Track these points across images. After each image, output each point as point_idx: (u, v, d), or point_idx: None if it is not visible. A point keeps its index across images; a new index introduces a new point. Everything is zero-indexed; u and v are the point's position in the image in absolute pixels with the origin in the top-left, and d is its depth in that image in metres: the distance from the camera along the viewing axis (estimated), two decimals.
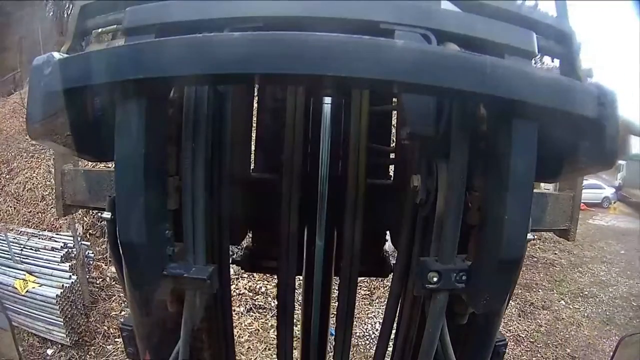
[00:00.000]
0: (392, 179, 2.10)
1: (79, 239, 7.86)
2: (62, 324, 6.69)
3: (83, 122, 1.32)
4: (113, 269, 7.59)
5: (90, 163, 2.10)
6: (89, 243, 8.39)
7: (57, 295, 6.77)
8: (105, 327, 6.86)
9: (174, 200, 1.45)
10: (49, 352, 6.75)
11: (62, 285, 7.00)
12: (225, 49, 1.13)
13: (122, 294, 7.78)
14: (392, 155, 2.10)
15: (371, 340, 7.67)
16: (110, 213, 1.48)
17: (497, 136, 1.29)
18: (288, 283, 1.88)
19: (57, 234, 7.93)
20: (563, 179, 1.90)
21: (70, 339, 6.65)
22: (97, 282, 7.83)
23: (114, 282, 7.01)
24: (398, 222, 1.77)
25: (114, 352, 6.56)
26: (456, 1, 1.42)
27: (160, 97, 1.35)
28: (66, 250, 7.50)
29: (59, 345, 6.56)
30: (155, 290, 1.42)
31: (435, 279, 1.36)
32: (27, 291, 6.87)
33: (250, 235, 2.16)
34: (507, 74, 1.17)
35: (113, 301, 7.31)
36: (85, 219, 8.61)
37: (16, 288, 6.88)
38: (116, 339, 6.78)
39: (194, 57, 1.14)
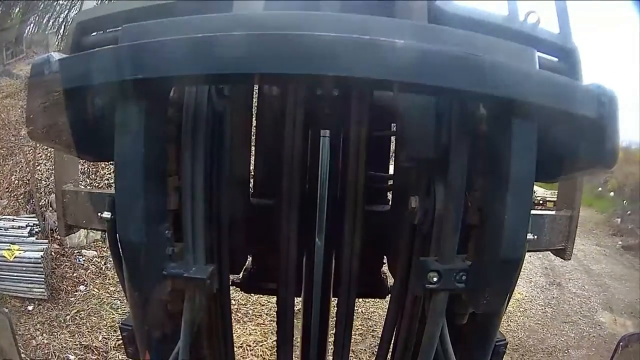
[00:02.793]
0: (390, 204, 2.05)
1: (45, 217, 9.38)
2: (43, 280, 8.08)
3: (83, 122, 1.30)
4: (55, 245, 8.95)
5: (89, 178, 2.10)
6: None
7: (41, 255, 8.16)
8: (65, 285, 8.40)
9: (173, 200, 1.43)
10: (30, 308, 8.00)
11: (42, 249, 8.39)
12: (225, 49, 1.11)
13: (68, 263, 9.22)
14: (390, 177, 2.04)
15: None
16: (110, 213, 1.46)
17: (497, 136, 1.27)
18: (287, 304, 1.85)
19: (18, 217, 9.36)
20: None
21: (47, 294, 8.10)
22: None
23: (58, 256, 8.60)
24: (395, 249, 1.74)
25: (75, 302, 8.20)
26: (458, 18, 1.42)
27: (160, 97, 1.33)
28: (30, 227, 8.98)
29: (37, 301, 7.96)
30: (155, 290, 1.40)
31: (435, 279, 1.34)
32: (15, 257, 8.20)
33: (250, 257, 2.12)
34: (507, 73, 1.15)
35: (64, 267, 8.81)
36: (27, 207, 9.93)
37: (5, 257, 8.15)
38: (75, 292, 8.44)
39: (194, 57, 1.12)
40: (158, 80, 1.17)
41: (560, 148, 1.28)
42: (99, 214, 1.54)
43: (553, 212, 2.08)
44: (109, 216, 1.45)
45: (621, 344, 2.28)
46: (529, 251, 1.42)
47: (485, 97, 1.22)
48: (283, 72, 1.12)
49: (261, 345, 7.90)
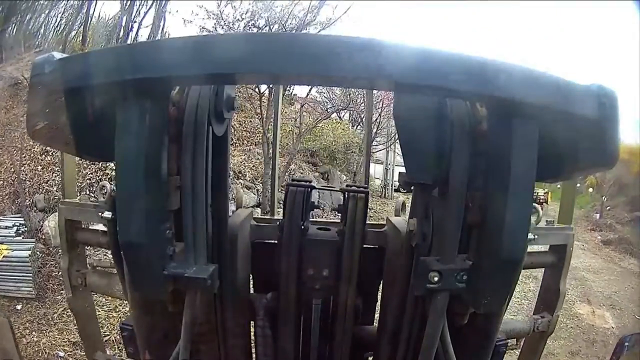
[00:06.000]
0: None
1: (30, 216, 9.39)
2: (30, 279, 8.00)
3: (83, 122, 1.25)
4: (40, 245, 8.81)
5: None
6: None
7: (29, 254, 8.11)
8: (51, 284, 8.27)
9: (174, 200, 1.39)
10: (18, 307, 7.93)
11: (30, 247, 8.34)
12: (225, 48, 1.08)
13: (53, 262, 8.95)
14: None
15: None
16: (110, 213, 1.42)
17: (497, 136, 1.24)
18: None
19: (4, 217, 9.30)
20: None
21: (35, 293, 8.01)
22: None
23: (43, 256, 8.54)
24: None
25: (62, 300, 7.96)
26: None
27: (161, 96, 1.29)
28: (17, 227, 8.97)
29: (25, 300, 7.90)
30: (156, 290, 1.35)
31: (435, 279, 1.31)
32: (3, 257, 8.15)
33: None
34: (508, 74, 1.12)
35: (50, 267, 8.78)
36: (12, 207, 9.96)
37: None
38: (61, 291, 8.18)
39: (194, 57, 1.08)
40: (158, 80, 1.13)
41: (561, 148, 1.25)
42: None
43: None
44: (110, 216, 1.41)
45: (626, 344, 2.25)
46: None
47: (485, 98, 1.19)
48: (282, 72, 1.08)
49: None
